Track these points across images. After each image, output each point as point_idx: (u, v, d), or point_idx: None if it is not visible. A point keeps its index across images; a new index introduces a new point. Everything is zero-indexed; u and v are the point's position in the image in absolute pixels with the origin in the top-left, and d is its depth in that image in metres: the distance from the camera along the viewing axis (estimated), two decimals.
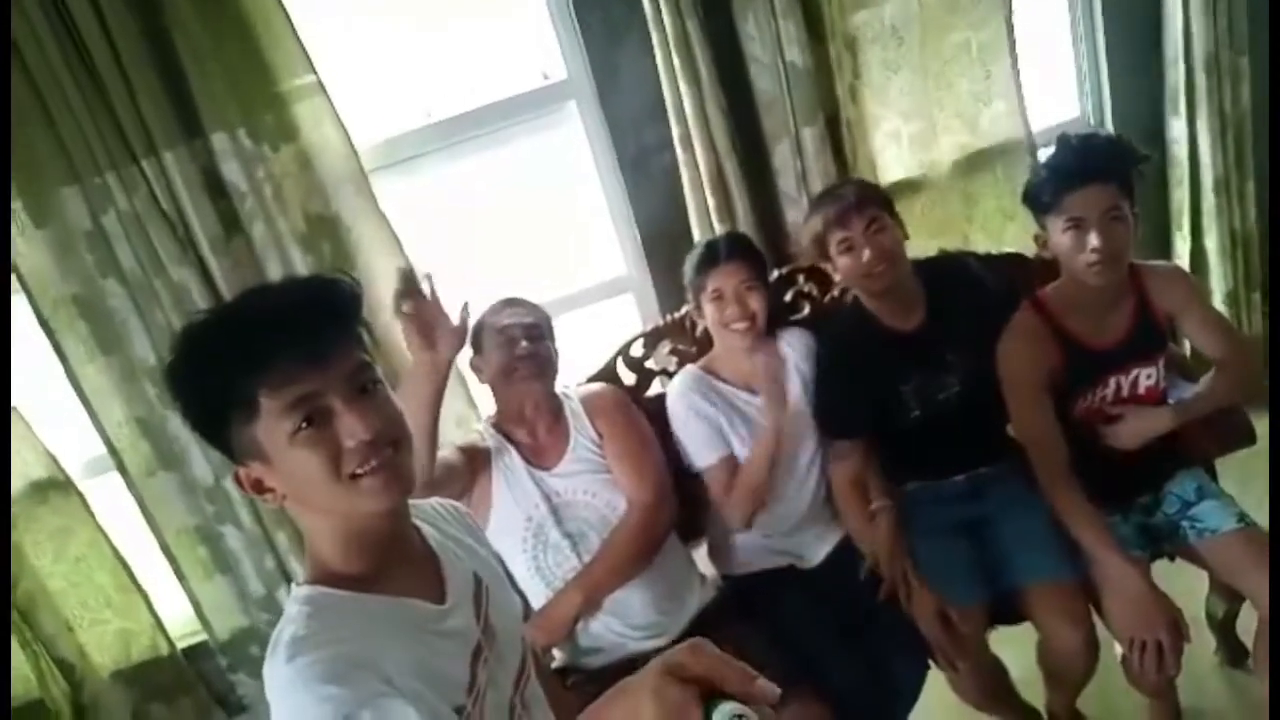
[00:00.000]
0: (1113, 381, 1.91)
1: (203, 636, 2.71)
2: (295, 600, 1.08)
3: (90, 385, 2.45)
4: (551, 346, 1.97)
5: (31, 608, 2.52)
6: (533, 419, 1.96)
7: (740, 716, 0.78)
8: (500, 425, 1.99)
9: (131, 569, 2.64)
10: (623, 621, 1.90)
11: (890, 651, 1.87)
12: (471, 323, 1.78)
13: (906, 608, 1.85)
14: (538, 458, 1.96)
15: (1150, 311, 1.89)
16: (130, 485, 2.53)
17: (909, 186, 2.69)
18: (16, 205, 2.29)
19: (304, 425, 1.03)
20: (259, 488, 1.09)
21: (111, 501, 2.61)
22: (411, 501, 1.21)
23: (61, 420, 2.58)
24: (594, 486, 1.93)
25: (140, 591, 2.65)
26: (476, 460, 1.93)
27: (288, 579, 2.61)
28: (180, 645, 2.75)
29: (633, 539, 1.89)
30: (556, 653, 1.96)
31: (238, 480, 1.10)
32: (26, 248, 2.32)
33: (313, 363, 1.03)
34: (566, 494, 1.92)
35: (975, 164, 2.72)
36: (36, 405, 2.52)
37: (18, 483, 2.50)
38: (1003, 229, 2.83)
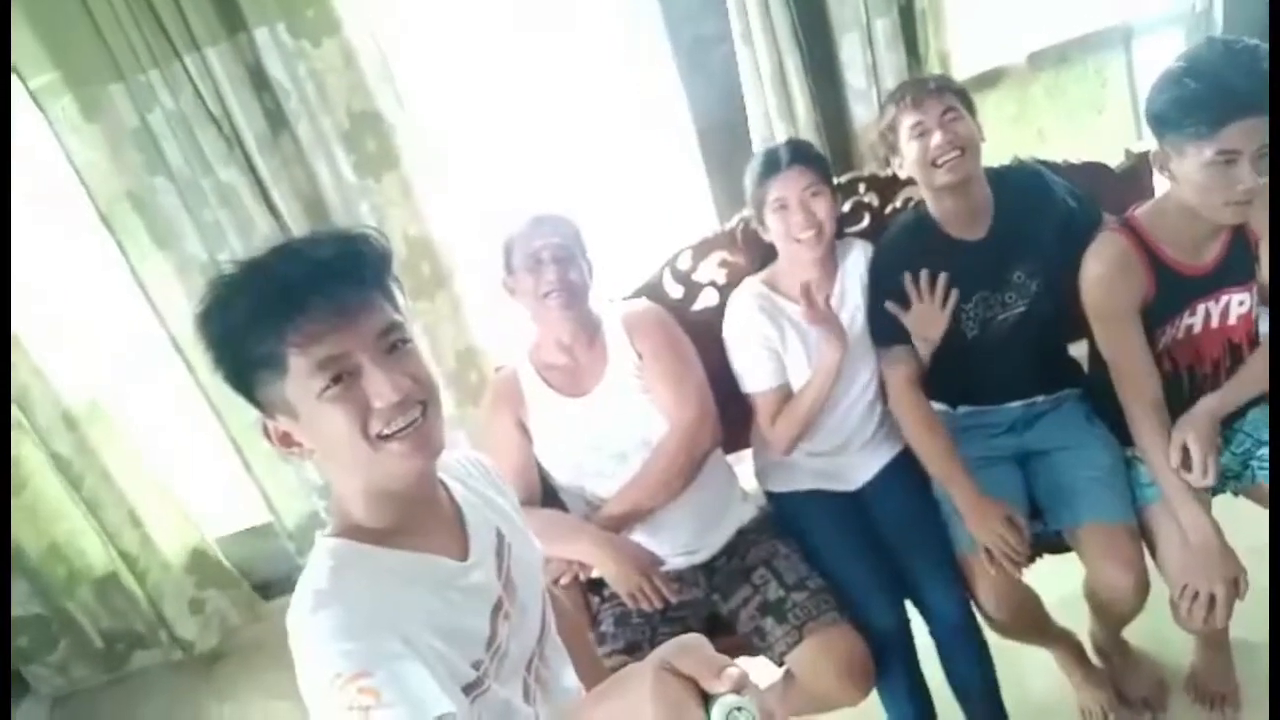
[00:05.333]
0: (1201, 309, 1.77)
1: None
2: (320, 551, 1.09)
3: (151, 280, 2.50)
4: (584, 266, 1.89)
5: (95, 504, 2.68)
6: (570, 344, 1.92)
7: (740, 709, 0.78)
8: (537, 353, 1.95)
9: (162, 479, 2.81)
10: (659, 539, 1.90)
11: (924, 578, 1.84)
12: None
13: (969, 524, 1.79)
14: (576, 382, 1.91)
15: (1244, 229, 1.74)
16: (196, 379, 2.61)
17: (983, 80, 2.51)
18: (66, 99, 2.28)
19: (332, 384, 1.02)
20: (287, 442, 1.08)
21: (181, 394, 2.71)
22: None
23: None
24: (635, 409, 1.89)
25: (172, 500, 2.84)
26: (514, 402, 1.93)
27: None
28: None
29: (671, 461, 1.86)
30: None
31: (266, 433, 1.10)
32: (79, 143, 2.33)
33: (341, 321, 1.02)
34: (607, 418, 1.88)
35: (1060, 55, 2.52)
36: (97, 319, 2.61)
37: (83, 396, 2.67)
38: (1090, 123, 2.66)
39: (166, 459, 2.83)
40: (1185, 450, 1.67)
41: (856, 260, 1.98)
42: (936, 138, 1.77)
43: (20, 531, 2.71)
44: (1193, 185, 1.61)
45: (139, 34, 2.15)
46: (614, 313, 1.97)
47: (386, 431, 1.04)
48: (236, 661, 2.91)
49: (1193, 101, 1.54)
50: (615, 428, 1.88)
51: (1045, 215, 1.85)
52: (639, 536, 1.89)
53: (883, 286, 1.92)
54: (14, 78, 2.28)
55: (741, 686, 0.78)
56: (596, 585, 1.96)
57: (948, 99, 1.80)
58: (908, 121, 1.81)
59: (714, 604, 1.89)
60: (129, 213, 2.42)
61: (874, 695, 1.82)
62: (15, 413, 2.56)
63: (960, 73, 2.48)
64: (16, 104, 2.34)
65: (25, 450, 2.63)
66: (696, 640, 0.82)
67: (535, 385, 1.93)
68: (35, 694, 2.97)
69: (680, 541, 1.91)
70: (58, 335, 2.67)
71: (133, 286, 2.53)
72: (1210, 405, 1.71)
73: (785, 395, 1.96)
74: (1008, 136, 2.59)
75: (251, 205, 2.34)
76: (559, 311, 1.85)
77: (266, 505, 2.79)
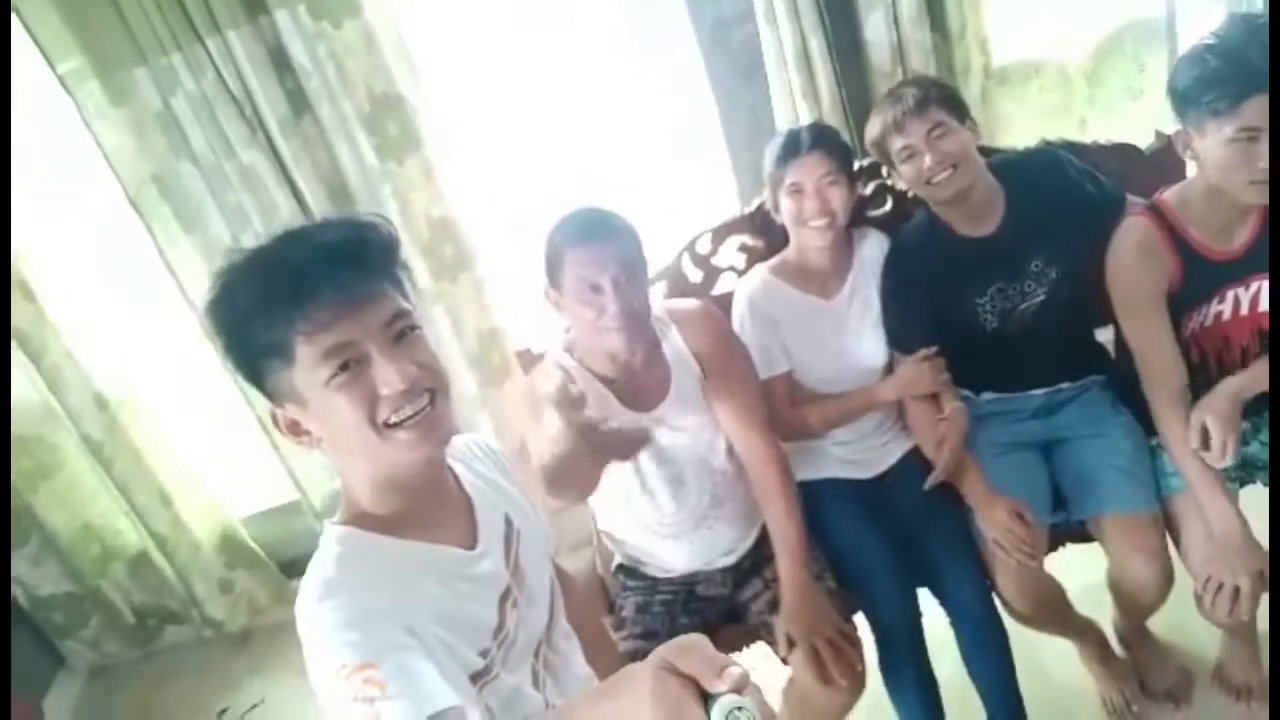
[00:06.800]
0: (1231, 296, 1.73)
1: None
2: (329, 539, 1.10)
3: (178, 263, 2.52)
4: (645, 282, 1.66)
5: (126, 486, 2.73)
6: (629, 364, 1.70)
7: (740, 709, 0.77)
8: (584, 360, 1.74)
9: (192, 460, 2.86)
10: (709, 547, 1.86)
11: (945, 567, 1.83)
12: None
13: (979, 517, 1.79)
14: (635, 399, 1.73)
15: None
16: (223, 360, 2.64)
17: (1025, 66, 2.45)
18: (93, 84, 2.30)
19: (339, 372, 1.02)
20: (296, 430, 1.09)
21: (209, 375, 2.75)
22: None
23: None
24: (696, 426, 1.77)
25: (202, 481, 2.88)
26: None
27: None
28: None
29: (785, 493, 1.76)
30: (614, 551, 1.97)
31: (275, 421, 1.10)
32: (107, 128, 2.35)
33: (348, 309, 1.02)
34: (669, 436, 1.74)
35: (1103, 41, 2.46)
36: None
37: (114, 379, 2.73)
38: (1125, 109, 2.59)
39: (196, 440, 2.87)
40: (1205, 431, 1.62)
41: (872, 250, 1.96)
42: (927, 160, 1.74)
43: (53, 513, 2.76)
44: (1216, 164, 1.58)
45: (161, 17, 2.16)
46: (664, 315, 1.80)
47: (394, 419, 1.04)
48: (265, 639, 2.98)
49: (1213, 78, 1.51)
50: (676, 448, 1.77)
51: (1061, 202, 1.81)
52: (690, 547, 1.84)
53: (896, 293, 1.91)
54: (43, 62, 2.30)
55: (742, 686, 0.77)
56: (620, 570, 1.96)
57: (932, 114, 1.75)
58: (895, 145, 1.78)
59: (732, 600, 1.89)
60: (156, 197, 2.43)
61: (879, 691, 1.82)
62: (48, 396, 2.60)
63: (1000, 58, 2.44)
64: (49, 89, 2.36)
65: (60, 433, 2.68)
66: (698, 639, 0.81)
67: (597, 393, 1.70)
68: (70, 668, 3.04)
69: (724, 548, 1.88)
70: (89, 318, 2.72)
71: (161, 269, 2.56)
72: (1233, 386, 1.65)
73: (788, 383, 1.95)
74: (1051, 127, 2.52)
75: (274, 188, 2.35)
76: (621, 345, 1.63)
77: (294, 484, 2.83)
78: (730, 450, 1.82)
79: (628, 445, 1.39)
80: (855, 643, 1.70)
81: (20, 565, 2.82)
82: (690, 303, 1.88)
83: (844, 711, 1.71)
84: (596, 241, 1.59)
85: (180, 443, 2.85)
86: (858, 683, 1.67)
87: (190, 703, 2.86)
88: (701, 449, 1.79)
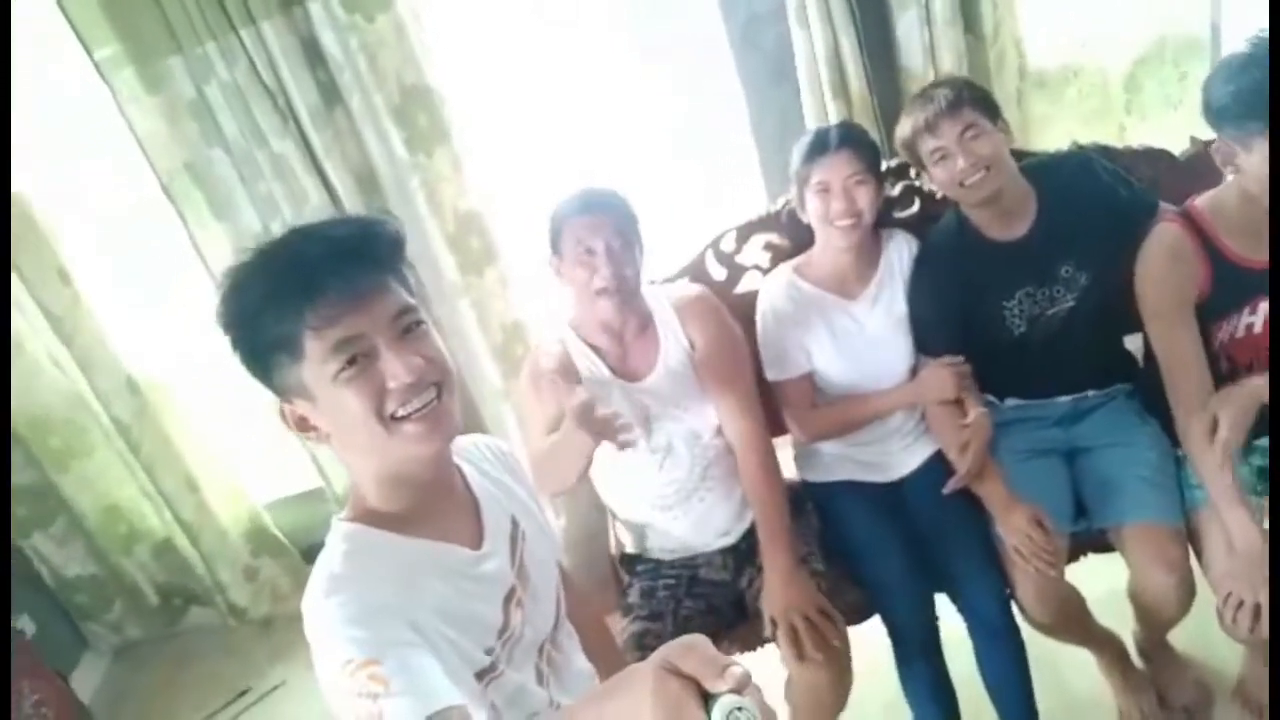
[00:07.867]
0: (1263, 307, 1.69)
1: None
2: (335, 535, 1.11)
3: (209, 250, 2.55)
4: (639, 257, 1.78)
5: (153, 469, 2.77)
6: (620, 331, 1.84)
7: (741, 709, 0.77)
8: (581, 331, 1.86)
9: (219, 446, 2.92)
10: (701, 527, 1.89)
11: (964, 574, 1.81)
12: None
13: (998, 523, 1.78)
14: (625, 368, 1.84)
15: None
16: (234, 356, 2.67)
17: (1063, 70, 2.42)
18: (128, 71, 2.33)
19: (347, 366, 1.03)
20: (304, 426, 1.10)
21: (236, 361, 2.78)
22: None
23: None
24: (685, 399, 1.83)
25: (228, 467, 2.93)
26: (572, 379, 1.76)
27: None
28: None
29: (768, 478, 1.81)
30: (625, 540, 1.99)
31: (283, 416, 1.11)
32: (141, 114, 2.38)
33: (356, 303, 1.03)
34: (656, 408, 1.82)
35: (1144, 48, 2.43)
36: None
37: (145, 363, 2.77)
38: (1164, 117, 2.56)
39: (223, 426, 2.91)
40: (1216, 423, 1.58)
41: (900, 251, 1.94)
42: (959, 162, 1.71)
43: (80, 495, 2.82)
44: (1259, 180, 1.53)
45: (196, 6, 2.20)
46: (663, 297, 1.90)
47: (402, 412, 1.05)
48: (287, 625, 3.01)
49: (1260, 93, 1.45)
50: (664, 419, 1.83)
51: (1092, 206, 1.78)
52: (687, 526, 1.88)
53: (923, 295, 1.89)
54: (80, 49, 2.34)
55: (743, 687, 0.77)
56: (627, 561, 1.97)
57: (964, 115, 1.72)
58: (927, 147, 1.76)
59: (735, 586, 1.89)
60: (188, 184, 2.47)
61: (898, 691, 1.82)
62: (79, 378, 2.65)
63: (1039, 61, 2.41)
64: (86, 76, 2.39)
65: (89, 416, 2.73)
66: (699, 640, 0.81)
67: (590, 362, 1.84)
68: (95, 649, 3.11)
69: (719, 527, 1.90)
70: (123, 303, 2.76)
71: (192, 255, 2.59)
72: (1257, 386, 1.61)
73: (809, 384, 1.94)
74: (1089, 132, 2.49)
75: (304, 178, 2.38)
76: (614, 308, 1.77)
77: (317, 471, 2.86)
78: (721, 427, 1.87)
79: (611, 430, 1.51)
80: (834, 619, 1.70)
81: (47, 545, 2.87)
82: (690, 287, 1.96)
83: (831, 693, 1.69)
84: (595, 212, 1.74)
85: (208, 428, 2.88)
86: (834, 660, 1.66)
87: (213, 683, 2.90)
88: (692, 422, 1.84)
